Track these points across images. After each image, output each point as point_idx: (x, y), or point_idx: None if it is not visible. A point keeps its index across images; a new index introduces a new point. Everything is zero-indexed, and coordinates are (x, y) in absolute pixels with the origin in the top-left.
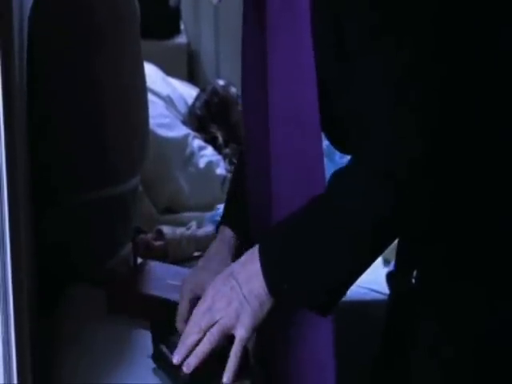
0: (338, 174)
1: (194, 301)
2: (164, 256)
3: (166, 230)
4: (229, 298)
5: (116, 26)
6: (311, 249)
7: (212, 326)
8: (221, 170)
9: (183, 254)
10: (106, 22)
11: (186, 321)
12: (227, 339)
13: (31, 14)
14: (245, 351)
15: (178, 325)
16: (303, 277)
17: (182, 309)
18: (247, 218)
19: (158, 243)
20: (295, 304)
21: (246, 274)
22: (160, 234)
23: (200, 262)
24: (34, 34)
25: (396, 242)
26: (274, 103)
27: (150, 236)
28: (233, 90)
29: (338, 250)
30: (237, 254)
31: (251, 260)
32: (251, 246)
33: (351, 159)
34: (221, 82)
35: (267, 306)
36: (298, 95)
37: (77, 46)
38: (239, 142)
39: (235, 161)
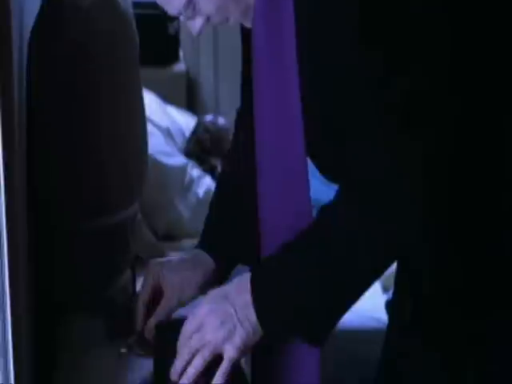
0: (326, 207)
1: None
2: None
3: None
4: (223, 319)
5: (113, 55)
6: (301, 283)
7: (202, 345)
8: None
9: None
10: (103, 50)
11: (144, 304)
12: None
13: (28, 55)
14: (239, 370)
15: (138, 307)
16: (294, 312)
17: (144, 293)
18: (229, 243)
19: None
20: (287, 335)
21: (242, 301)
22: None
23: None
24: (32, 62)
25: (394, 269)
26: (260, 127)
27: None
28: (221, 121)
29: (328, 284)
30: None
31: (246, 289)
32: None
33: (338, 191)
34: (208, 118)
35: (259, 334)
36: (284, 120)
37: (76, 73)
38: None
39: None
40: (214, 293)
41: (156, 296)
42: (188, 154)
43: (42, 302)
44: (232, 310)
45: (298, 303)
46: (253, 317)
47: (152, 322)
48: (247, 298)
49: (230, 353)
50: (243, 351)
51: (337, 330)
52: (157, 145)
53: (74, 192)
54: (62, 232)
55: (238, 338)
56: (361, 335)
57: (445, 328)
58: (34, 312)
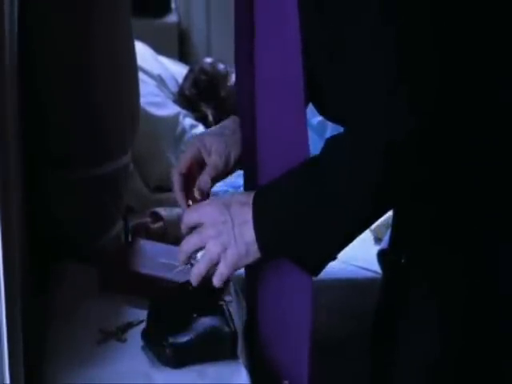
0: (331, 140)
1: (195, 157)
2: (162, 238)
3: (162, 211)
4: (220, 230)
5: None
6: (303, 212)
7: (197, 250)
8: None
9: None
10: None
11: (181, 173)
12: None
13: None
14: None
15: (173, 175)
16: (293, 238)
17: (182, 160)
18: None
19: (156, 225)
20: (284, 259)
21: (241, 217)
22: (157, 216)
23: (213, 128)
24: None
25: (388, 220)
26: (259, 71)
27: (148, 220)
28: (221, 66)
29: (329, 214)
30: None
31: (248, 205)
32: None
33: (345, 129)
34: (208, 60)
35: (253, 255)
36: (282, 65)
37: (71, 19)
38: None
39: None
40: (219, 198)
41: (192, 172)
42: (181, 96)
43: (35, 251)
44: (230, 224)
45: (296, 226)
46: (248, 236)
47: (198, 187)
48: (247, 215)
49: (220, 269)
50: (234, 269)
51: (329, 280)
52: (148, 95)
53: (68, 139)
54: (57, 181)
55: (230, 256)
56: (353, 285)
57: (435, 270)
58: (27, 263)
